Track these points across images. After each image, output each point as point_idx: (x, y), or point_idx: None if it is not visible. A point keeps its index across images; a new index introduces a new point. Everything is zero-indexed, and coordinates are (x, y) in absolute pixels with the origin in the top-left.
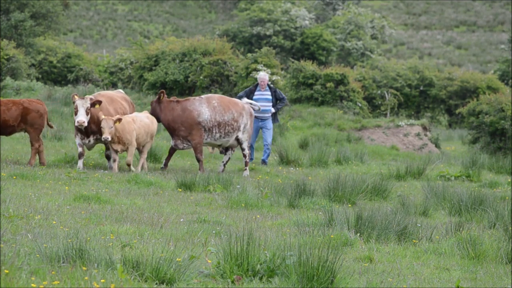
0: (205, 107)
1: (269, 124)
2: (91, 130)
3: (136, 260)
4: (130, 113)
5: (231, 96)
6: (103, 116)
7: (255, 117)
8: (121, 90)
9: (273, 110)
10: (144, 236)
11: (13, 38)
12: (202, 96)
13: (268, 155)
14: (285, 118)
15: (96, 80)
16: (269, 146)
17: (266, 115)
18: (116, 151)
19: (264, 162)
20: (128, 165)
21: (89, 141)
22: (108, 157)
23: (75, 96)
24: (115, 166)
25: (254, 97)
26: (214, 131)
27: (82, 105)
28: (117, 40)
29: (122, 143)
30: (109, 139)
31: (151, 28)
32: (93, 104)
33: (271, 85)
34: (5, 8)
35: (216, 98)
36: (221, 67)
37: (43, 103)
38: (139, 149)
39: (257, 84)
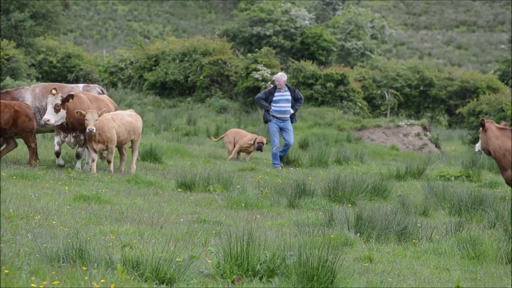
0: (28, 93)
1: (290, 125)
2: (71, 126)
3: (136, 260)
4: None
5: (231, 96)
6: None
7: (277, 118)
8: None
9: (291, 111)
10: (144, 236)
11: (13, 38)
12: (32, 85)
13: (286, 154)
14: None
15: (96, 80)
16: (290, 147)
17: (286, 116)
18: (95, 150)
19: (280, 158)
20: (109, 162)
21: (70, 139)
22: (77, 156)
23: (52, 91)
24: (94, 166)
25: (274, 98)
26: (37, 118)
27: (51, 102)
28: (117, 40)
29: (102, 141)
30: (94, 130)
31: (151, 28)
32: (65, 100)
33: (290, 86)
34: (5, 8)
35: (41, 85)
36: (221, 67)
37: (29, 107)
38: (120, 149)
39: (276, 85)
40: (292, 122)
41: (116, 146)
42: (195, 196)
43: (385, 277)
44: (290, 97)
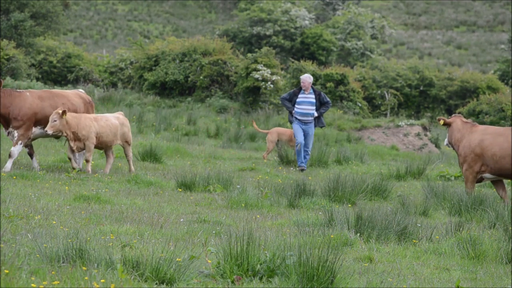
0: None
1: (311, 129)
2: (4, 122)
3: (136, 260)
4: (86, 112)
5: (231, 96)
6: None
7: (298, 120)
8: (81, 90)
9: (316, 114)
10: (144, 236)
11: (13, 38)
12: None
13: (307, 161)
14: (284, 118)
15: (96, 80)
16: (309, 152)
17: (309, 118)
18: (72, 149)
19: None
20: (87, 161)
21: (7, 133)
22: (9, 155)
23: None
24: (88, 167)
25: (298, 99)
26: None
27: None
28: (117, 40)
29: (78, 139)
30: (50, 133)
31: (151, 28)
32: None
33: (316, 88)
34: (5, 8)
35: None
36: (221, 67)
37: None
38: (106, 151)
39: (301, 87)
40: (318, 126)
41: (101, 148)
42: (195, 196)
43: (385, 277)
44: (314, 100)
